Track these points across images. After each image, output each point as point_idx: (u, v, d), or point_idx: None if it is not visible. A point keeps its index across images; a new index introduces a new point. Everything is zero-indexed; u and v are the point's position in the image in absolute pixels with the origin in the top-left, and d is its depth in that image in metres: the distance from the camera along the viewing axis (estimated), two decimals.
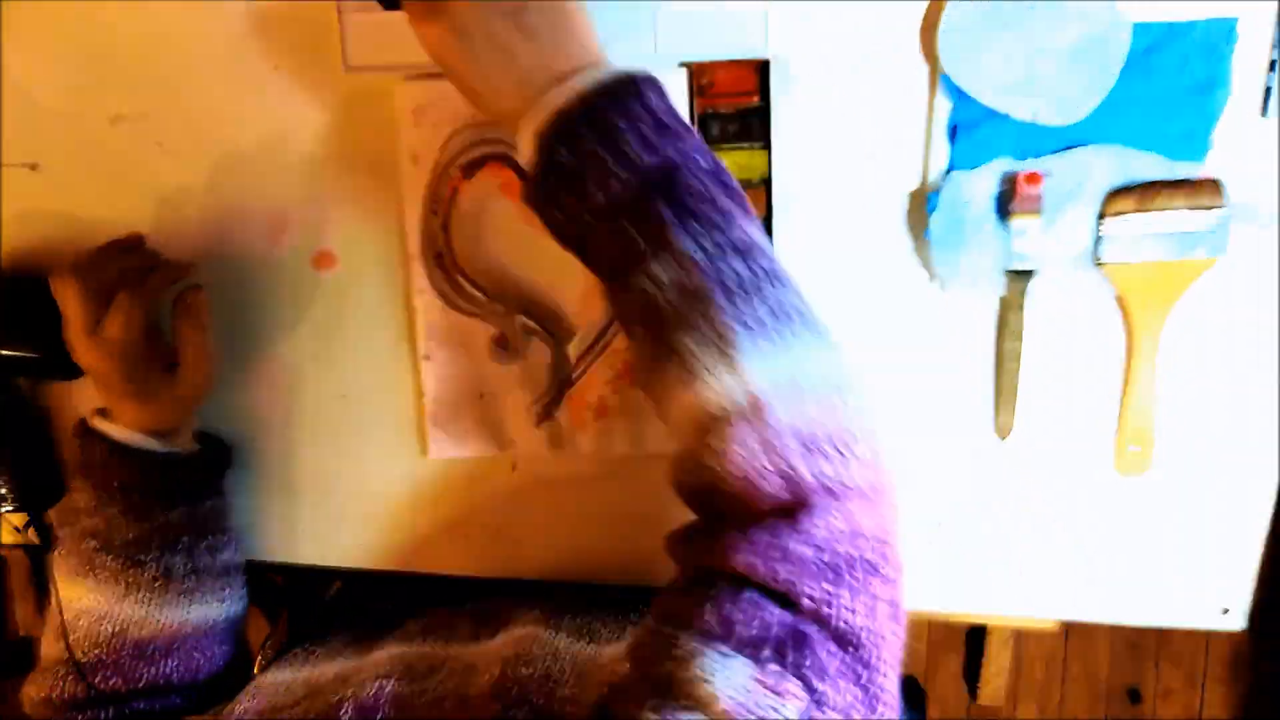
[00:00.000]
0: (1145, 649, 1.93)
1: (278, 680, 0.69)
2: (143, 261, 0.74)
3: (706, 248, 0.53)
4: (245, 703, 0.67)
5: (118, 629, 0.72)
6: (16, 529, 0.83)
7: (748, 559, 0.49)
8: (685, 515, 0.73)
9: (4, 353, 0.77)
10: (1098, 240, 0.71)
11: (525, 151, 0.56)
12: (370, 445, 0.82)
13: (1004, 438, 0.76)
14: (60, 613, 0.74)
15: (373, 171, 0.77)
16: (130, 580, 0.72)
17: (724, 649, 0.46)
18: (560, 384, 0.79)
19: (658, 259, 0.53)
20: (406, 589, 0.84)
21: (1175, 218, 0.69)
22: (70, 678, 0.72)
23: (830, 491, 0.50)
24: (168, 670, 0.74)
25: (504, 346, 0.78)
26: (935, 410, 0.77)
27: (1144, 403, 0.74)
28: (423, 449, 0.81)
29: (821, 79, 0.72)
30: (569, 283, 0.77)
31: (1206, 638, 1.91)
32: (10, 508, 0.82)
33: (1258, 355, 0.73)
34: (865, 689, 0.48)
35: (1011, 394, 0.75)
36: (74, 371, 0.79)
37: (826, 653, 0.47)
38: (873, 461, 0.52)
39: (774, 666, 0.46)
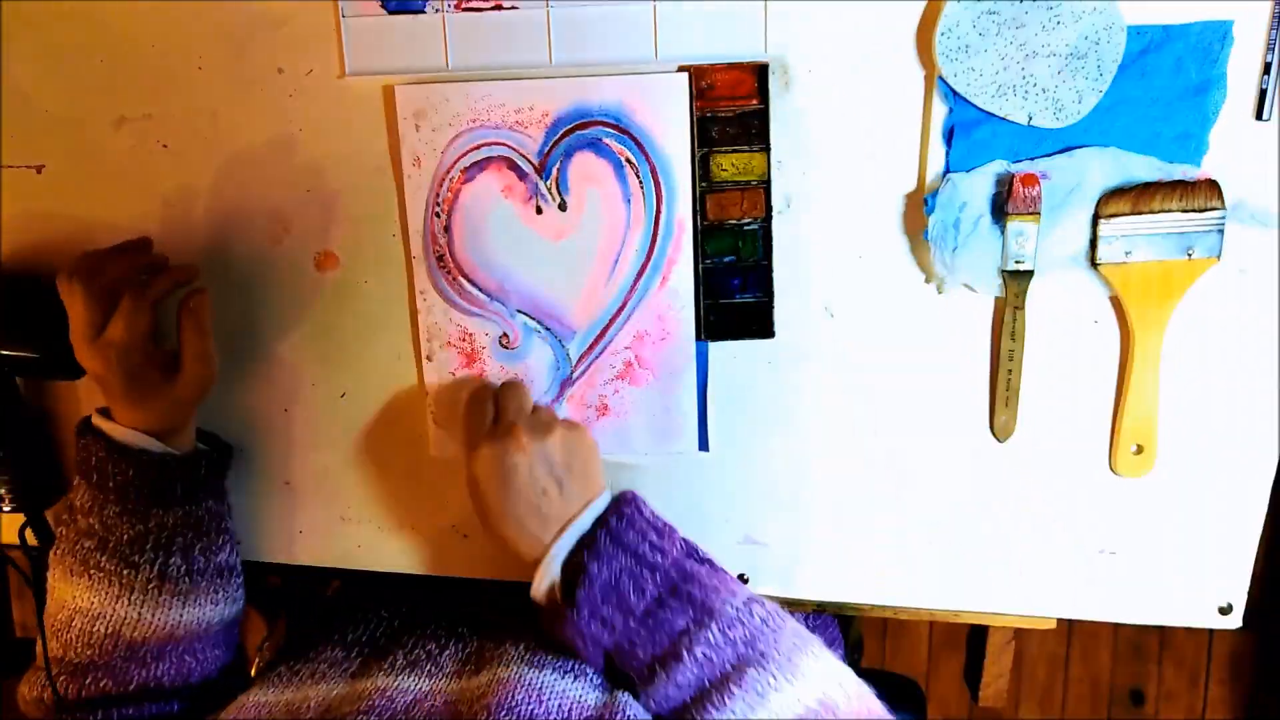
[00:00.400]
0: (1147, 650, 1.93)
1: (261, 701, 0.69)
2: (148, 264, 0.74)
3: (737, 605, 0.65)
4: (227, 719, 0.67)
5: (111, 629, 0.72)
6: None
7: None
8: (682, 513, 0.73)
9: (4, 353, 0.78)
10: (1094, 242, 0.71)
11: (545, 582, 0.67)
12: (371, 445, 0.82)
13: (1003, 439, 0.77)
14: (54, 612, 0.74)
15: (374, 173, 0.77)
16: (125, 580, 0.72)
17: None
18: (561, 384, 0.79)
19: (706, 627, 0.63)
20: (404, 591, 0.85)
21: (1171, 219, 0.70)
22: (62, 678, 0.72)
23: None
24: (159, 673, 0.74)
25: (505, 346, 0.79)
26: (934, 411, 0.77)
27: (1145, 404, 0.74)
28: (424, 449, 0.81)
29: (820, 82, 0.73)
30: (569, 283, 0.77)
31: (1209, 638, 1.90)
32: (9, 508, 0.82)
33: (1256, 355, 0.73)
34: None
35: (1010, 395, 0.75)
36: (74, 371, 0.79)
37: None
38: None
39: None
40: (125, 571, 0.72)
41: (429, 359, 0.79)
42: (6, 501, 0.82)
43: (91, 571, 0.72)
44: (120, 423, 0.73)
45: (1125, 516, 0.77)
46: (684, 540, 0.69)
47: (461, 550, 0.83)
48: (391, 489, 0.83)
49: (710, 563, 0.69)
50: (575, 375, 0.79)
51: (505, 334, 0.78)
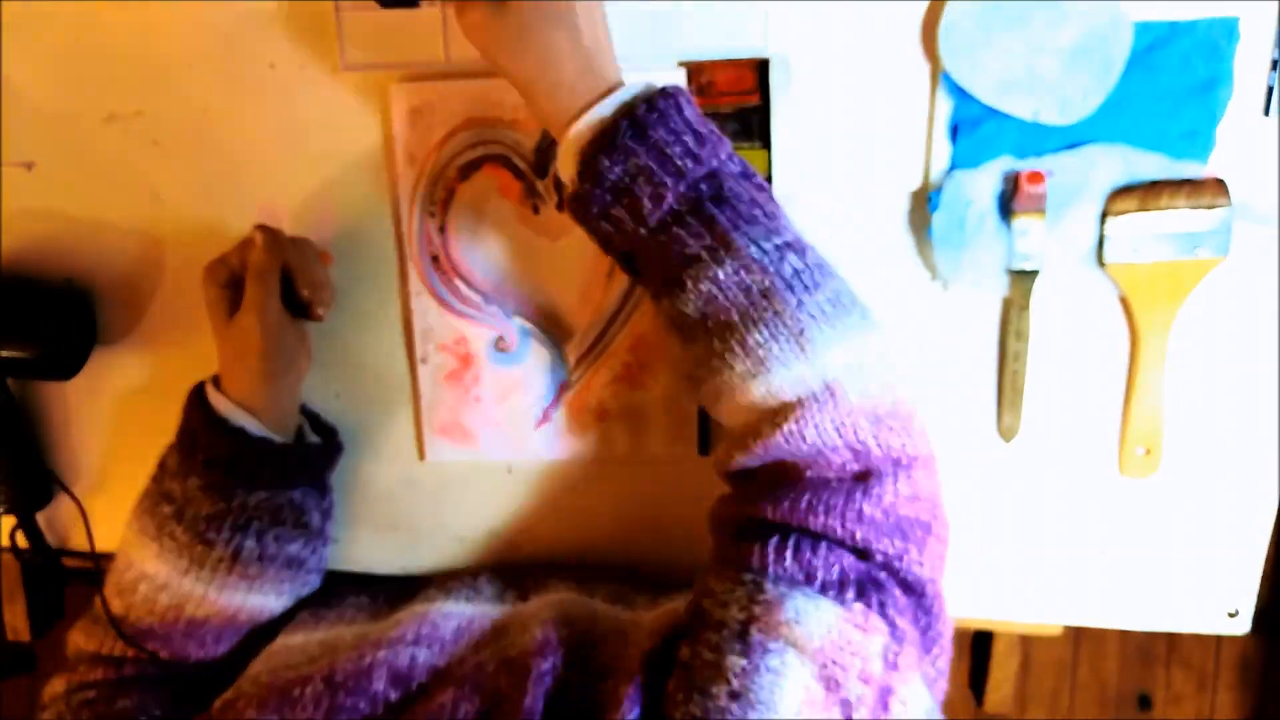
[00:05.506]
0: (1155, 654, 1.92)
1: (290, 644, 0.69)
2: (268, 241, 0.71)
3: (765, 248, 0.56)
4: (259, 665, 0.66)
5: (175, 602, 0.71)
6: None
7: (825, 520, 0.54)
8: (682, 517, 0.72)
9: (1, 353, 0.77)
10: (1101, 240, 0.70)
11: (567, 165, 0.59)
12: (367, 448, 0.82)
13: (1008, 440, 0.76)
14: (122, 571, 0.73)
15: (369, 172, 0.77)
16: (196, 556, 0.70)
17: (809, 592, 0.51)
18: (558, 387, 0.78)
19: (719, 263, 0.55)
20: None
21: (1178, 217, 0.69)
22: (121, 642, 0.72)
23: (896, 461, 0.56)
24: (215, 654, 0.73)
25: (501, 349, 0.78)
26: (939, 412, 0.76)
27: (1151, 405, 0.73)
28: (419, 452, 0.81)
29: (821, 78, 0.72)
30: (567, 285, 0.76)
31: (1217, 642, 1.90)
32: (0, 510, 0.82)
33: (1264, 355, 0.73)
34: (925, 632, 0.55)
35: (1016, 395, 0.74)
36: (70, 372, 0.79)
37: (897, 596, 0.53)
38: (924, 432, 0.58)
39: (859, 606, 0.51)
40: (198, 548, 0.70)
41: (423, 361, 0.78)
42: None
43: (164, 540, 0.70)
44: (233, 395, 0.71)
45: (1132, 519, 0.77)
46: (734, 156, 0.59)
47: (458, 553, 0.83)
48: (388, 491, 0.82)
49: (762, 187, 0.59)
50: (573, 379, 0.78)
51: (501, 337, 0.78)
